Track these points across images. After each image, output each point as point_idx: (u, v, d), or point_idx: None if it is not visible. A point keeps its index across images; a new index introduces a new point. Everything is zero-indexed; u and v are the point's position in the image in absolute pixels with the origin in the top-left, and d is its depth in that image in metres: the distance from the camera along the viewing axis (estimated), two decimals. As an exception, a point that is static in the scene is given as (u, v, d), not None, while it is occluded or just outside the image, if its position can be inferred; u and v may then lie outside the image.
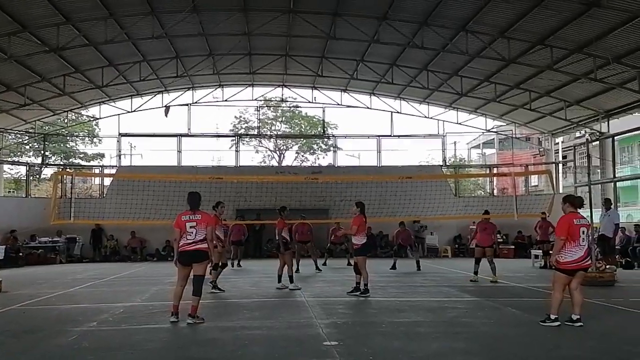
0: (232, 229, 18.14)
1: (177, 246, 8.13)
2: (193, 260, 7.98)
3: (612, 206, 16.61)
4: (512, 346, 6.65)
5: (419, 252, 19.54)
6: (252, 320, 8.30)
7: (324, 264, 18.38)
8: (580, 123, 23.77)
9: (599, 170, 23.90)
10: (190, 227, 7.96)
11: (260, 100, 28.25)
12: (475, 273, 13.73)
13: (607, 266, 13.62)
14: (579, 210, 7.82)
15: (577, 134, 28.04)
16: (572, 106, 22.41)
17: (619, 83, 18.97)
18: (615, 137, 23.11)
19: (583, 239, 7.50)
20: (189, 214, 8.09)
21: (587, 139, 19.00)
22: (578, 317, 7.44)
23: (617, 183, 23.55)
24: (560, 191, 25.32)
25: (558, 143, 27.84)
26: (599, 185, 22.94)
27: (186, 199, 8.27)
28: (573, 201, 7.82)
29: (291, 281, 11.99)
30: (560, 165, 27.85)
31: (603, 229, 15.59)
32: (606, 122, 22.74)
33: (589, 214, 13.86)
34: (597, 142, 23.46)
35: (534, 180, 31.14)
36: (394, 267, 17.17)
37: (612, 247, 16.08)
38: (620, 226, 16.73)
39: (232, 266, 17.45)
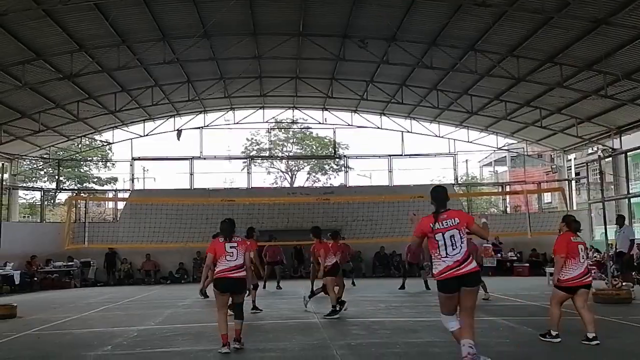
0: (267, 250, 18.01)
1: (211, 272, 7.87)
2: (234, 289, 7.64)
3: (626, 222, 16.41)
4: (528, 366, 6.57)
5: (427, 272, 19.40)
6: (266, 343, 8.27)
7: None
8: (592, 140, 23.64)
9: (612, 187, 23.72)
10: (231, 247, 7.64)
11: (272, 122, 28.45)
12: None
13: (624, 283, 13.46)
14: (578, 235, 7.88)
15: (590, 151, 27.90)
16: (584, 123, 22.32)
17: (630, 99, 18.89)
18: (628, 153, 22.93)
19: (582, 256, 7.61)
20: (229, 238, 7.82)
21: (599, 156, 18.91)
22: (594, 334, 7.35)
23: (631, 199, 23.32)
24: (574, 208, 25.14)
25: (570, 160, 27.67)
26: (613, 201, 22.72)
27: (220, 228, 7.90)
28: (570, 222, 7.91)
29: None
30: (574, 182, 27.68)
31: (620, 246, 15.43)
32: (618, 138, 22.56)
33: (604, 230, 13.75)
34: (610, 159, 23.32)
35: (547, 197, 30.92)
36: (402, 287, 16.79)
37: (630, 264, 15.88)
38: (635, 242, 16.55)
39: (264, 287, 17.39)
